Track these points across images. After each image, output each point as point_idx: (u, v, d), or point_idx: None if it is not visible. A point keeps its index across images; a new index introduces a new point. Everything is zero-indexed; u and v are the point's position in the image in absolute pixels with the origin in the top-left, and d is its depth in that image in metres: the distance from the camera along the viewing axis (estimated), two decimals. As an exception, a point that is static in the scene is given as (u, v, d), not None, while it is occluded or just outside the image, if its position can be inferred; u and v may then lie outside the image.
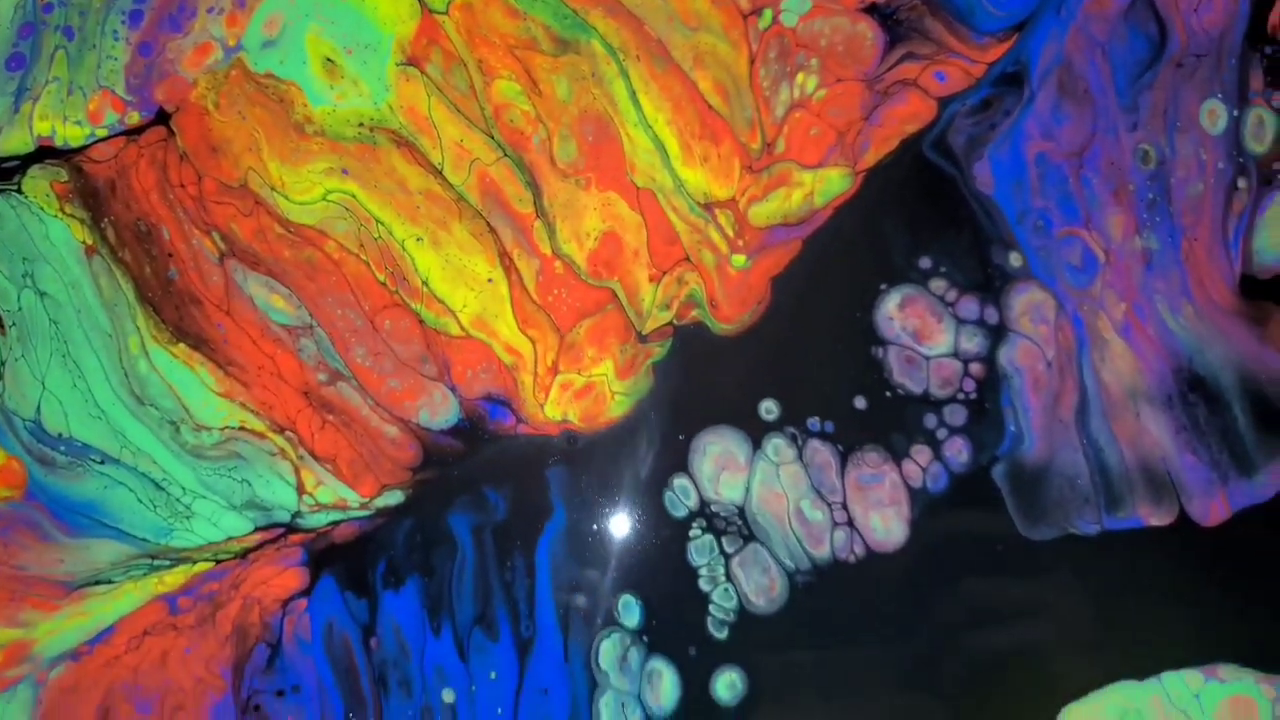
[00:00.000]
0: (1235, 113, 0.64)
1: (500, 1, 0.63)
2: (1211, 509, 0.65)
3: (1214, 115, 0.64)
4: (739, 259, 0.65)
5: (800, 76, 0.64)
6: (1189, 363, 0.65)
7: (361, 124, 0.65)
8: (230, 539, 0.67)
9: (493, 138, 0.64)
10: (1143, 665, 0.65)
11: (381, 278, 0.65)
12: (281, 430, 0.67)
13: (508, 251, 0.65)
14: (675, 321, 0.66)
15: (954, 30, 0.64)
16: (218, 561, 0.67)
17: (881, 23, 0.65)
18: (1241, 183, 0.64)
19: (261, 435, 0.67)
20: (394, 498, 0.67)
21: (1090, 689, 0.65)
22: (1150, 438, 0.65)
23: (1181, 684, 0.64)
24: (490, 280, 0.65)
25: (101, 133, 0.65)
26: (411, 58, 0.65)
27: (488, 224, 0.65)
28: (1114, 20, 0.64)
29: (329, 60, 0.65)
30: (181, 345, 0.66)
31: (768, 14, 0.64)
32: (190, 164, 0.65)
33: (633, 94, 0.64)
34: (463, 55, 0.65)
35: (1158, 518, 0.65)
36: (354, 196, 0.65)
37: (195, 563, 0.67)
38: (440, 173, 0.65)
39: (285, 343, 0.66)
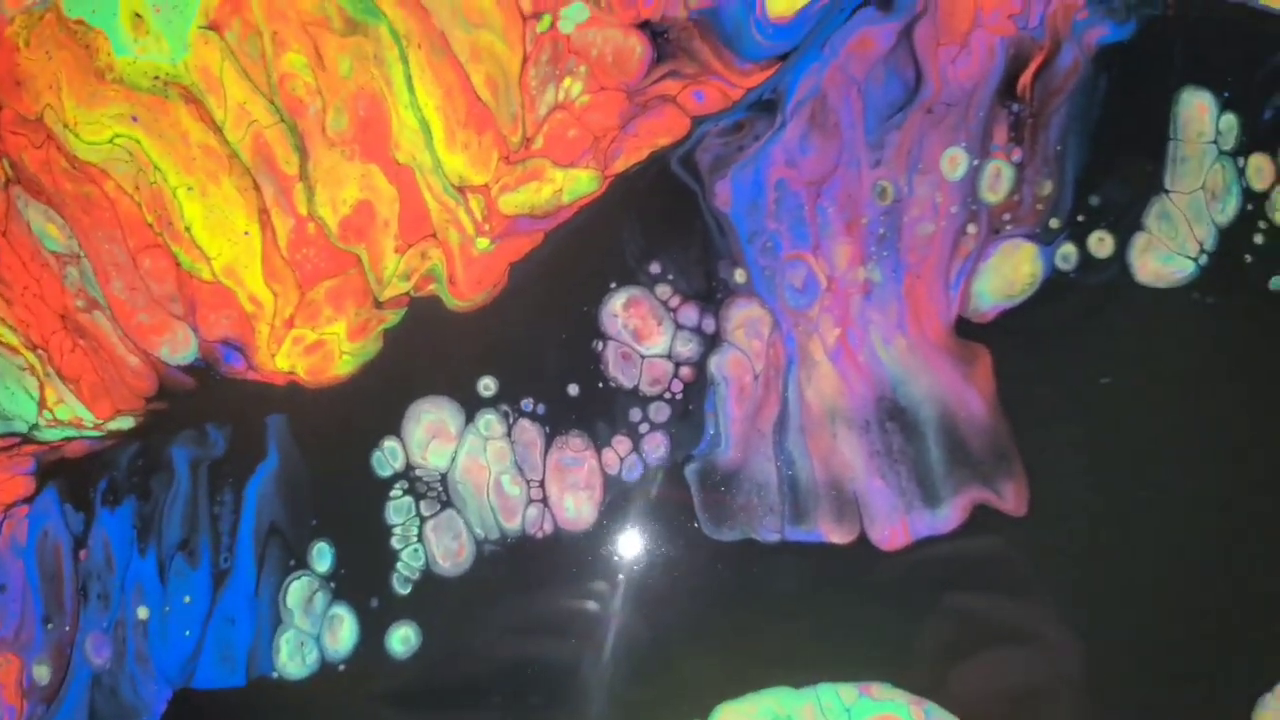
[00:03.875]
0: (975, 162, 0.67)
1: (300, -21, 0.68)
2: (892, 533, 0.67)
3: (955, 161, 0.67)
4: (483, 242, 0.69)
5: (567, 81, 0.68)
6: (892, 392, 0.67)
7: (157, 77, 0.69)
8: (-34, 442, 0.71)
9: (273, 104, 0.69)
10: (802, 674, 0.66)
11: (150, 219, 0.70)
12: (34, 348, 0.71)
13: (267, 208, 0.69)
14: (412, 292, 0.69)
15: (719, 54, 0.67)
16: (-50, 462, 0.71)
17: (652, 39, 0.68)
18: (971, 229, 0.67)
19: (14, 350, 0.71)
20: (125, 423, 0.71)
21: (747, 691, 0.66)
22: (842, 458, 0.67)
23: (835, 696, 0.66)
24: (247, 233, 0.69)
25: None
26: (214, 23, 0.70)
27: (254, 181, 0.69)
28: (874, 61, 0.67)
29: (137, 15, 0.70)
30: (-46, 259, 0.71)
31: (546, 19, 0.68)
32: (-6, 94, 0.70)
33: (409, 78, 0.68)
34: (260, 26, 0.69)
35: (838, 535, 0.67)
36: (139, 143, 0.70)
37: (-71, 462, 0.71)
38: (220, 130, 0.69)
39: (52, 268, 0.71)
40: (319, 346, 0.69)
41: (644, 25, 0.67)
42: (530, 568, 0.68)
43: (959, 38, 0.67)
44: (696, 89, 0.68)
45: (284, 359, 0.69)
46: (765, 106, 0.67)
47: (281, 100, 0.69)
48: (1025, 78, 0.66)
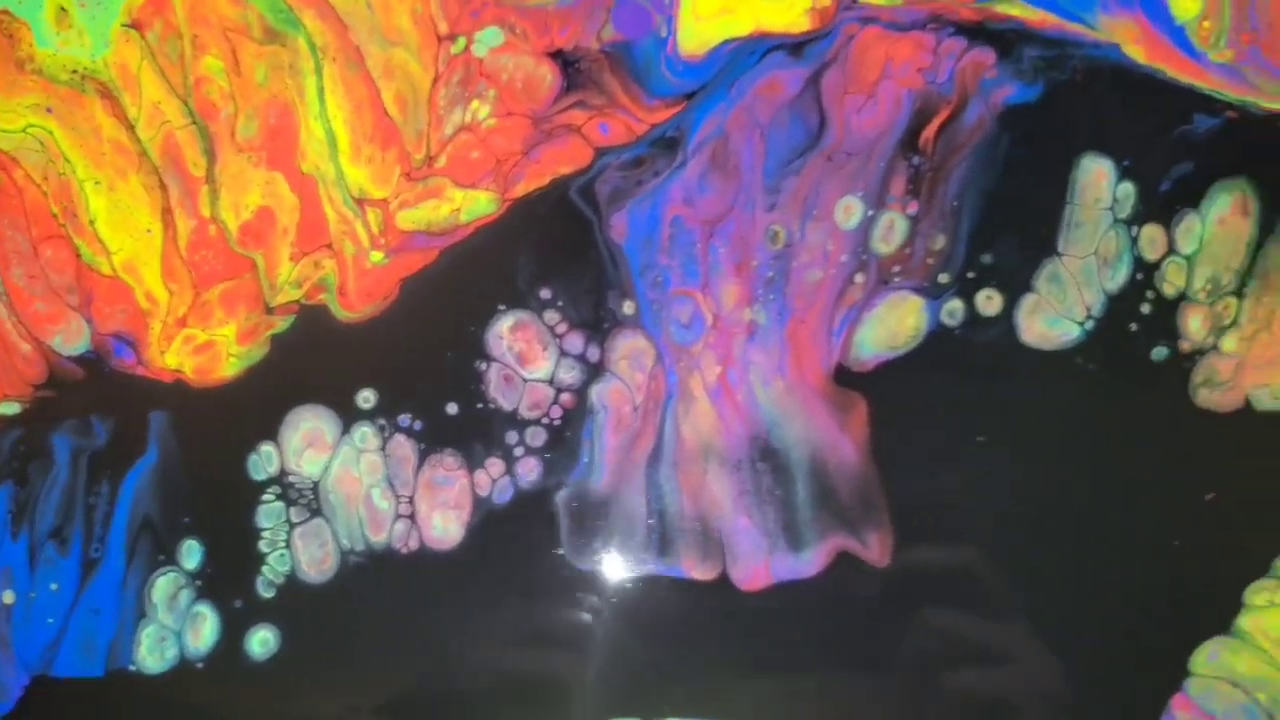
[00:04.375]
0: (870, 212, 0.67)
1: (225, -14, 0.69)
2: (753, 573, 0.67)
3: (849, 211, 0.67)
4: (377, 255, 0.70)
5: (475, 103, 0.69)
6: (767, 433, 0.67)
7: (76, 71, 0.71)
8: None
9: (187, 105, 0.70)
10: (650, 705, 0.66)
11: (55, 210, 0.71)
12: (-73, 328, 0.72)
13: (171, 208, 0.70)
14: (303, 301, 0.70)
15: (628, 89, 0.68)
16: None
17: (563, 68, 0.68)
18: (859, 278, 0.68)
19: (-91, 328, 0.72)
20: (10, 408, 0.72)
21: (594, 719, 0.66)
22: (711, 495, 0.68)
23: (679, 729, 0.66)
24: (149, 231, 0.70)
25: None
26: (136, 21, 0.71)
27: (161, 180, 0.70)
28: (780, 106, 0.67)
29: (62, 9, 0.71)
30: None
31: (461, 41, 0.69)
32: (-86, 75, 0.71)
33: (321, 90, 0.69)
34: (182, 28, 0.71)
35: (700, 571, 0.67)
36: (51, 134, 0.71)
37: None
38: (133, 128, 0.70)
39: (-46, 250, 0.72)
40: (208, 347, 0.70)
41: (556, 54, 0.67)
42: (393, 582, 0.68)
43: (866, 87, 0.67)
44: (602, 121, 0.68)
45: (173, 357, 0.70)
46: (668, 143, 0.68)
47: (195, 103, 0.70)
48: (928, 131, 0.67)
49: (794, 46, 0.67)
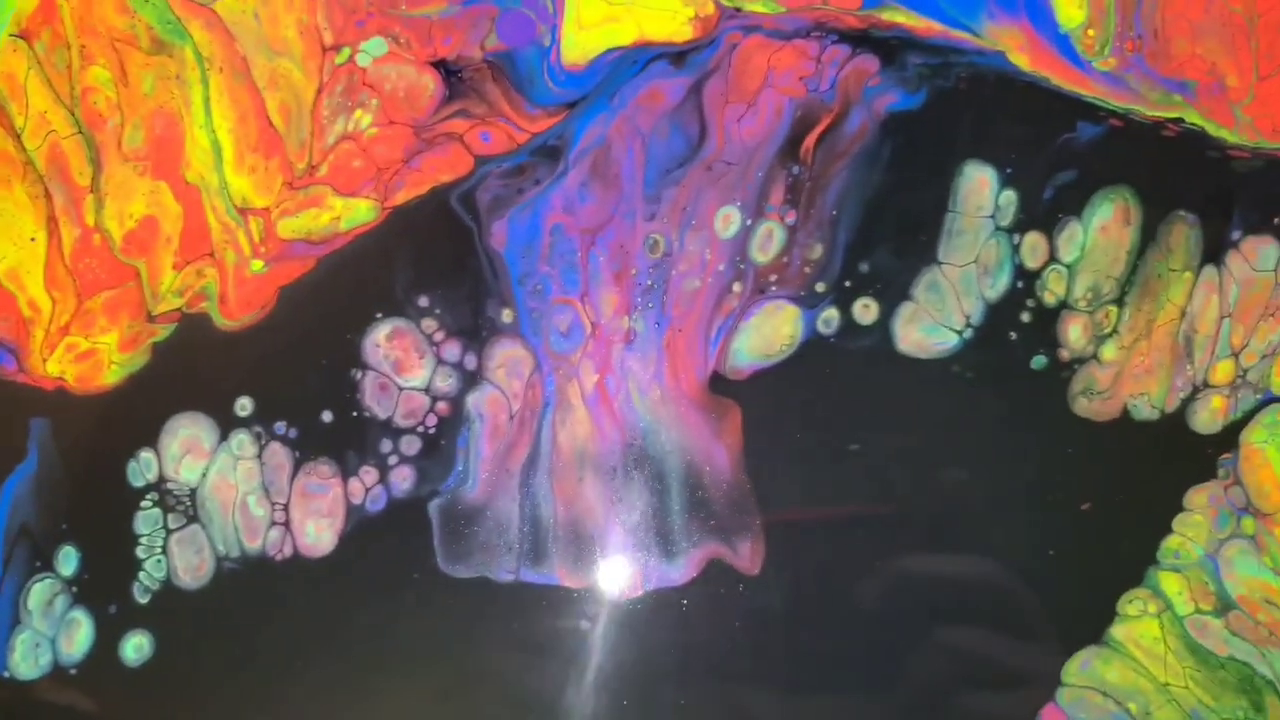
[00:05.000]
0: (749, 222, 0.67)
1: (114, -2, 0.70)
2: (625, 581, 0.67)
3: (728, 220, 0.67)
4: (257, 264, 0.70)
5: (358, 113, 0.69)
6: (642, 441, 0.67)
7: (-37, 81, 0.71)
8: None
9: (74, 115, 0.71)
10: (520, 715, 0.66)
11: (-60, 218, 0.71)
12: None
13: (56, 217, 0.71)
14: (185, 309, 0.70)
15: (510, 98, 0.68)
16: None
17: (445, 77, 0.68)
18: (737, 287, 0.68)
19: None
20: (-111, 416, 0.72)
21: (464, 729, 0.66)
22: (585, 503, 0.68)
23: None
24: (33, 239, 0.71)
25: None
26: (24, 32, 0.71)
27: (46, 189, 0.71)
28: (661, 115, 0.68)
29: (-47, 21, 0.71)
30: None
31: (346, 51, 0.69)
32: None
33: (207, 100, 0.70)
34: (70, 39, 0.71)
35: (572, 579, 0.67)
36: (-62, 143, 0.71)
37: None
38: (19, 137, 0.71)
39: None
40: (90, 355, 0.70)
41: (439, 64, 0.68)
42: (267, 588, 0.68)
43: (748, 96, 0.67)
44: (484, 129, 0.69)
45: (55, 364, 0.70)
46: (549, 152, 0.68)
47: (82, 113, 0.70)
48: (809, 140, 0.67)
49: (676, 56, 0.67)
